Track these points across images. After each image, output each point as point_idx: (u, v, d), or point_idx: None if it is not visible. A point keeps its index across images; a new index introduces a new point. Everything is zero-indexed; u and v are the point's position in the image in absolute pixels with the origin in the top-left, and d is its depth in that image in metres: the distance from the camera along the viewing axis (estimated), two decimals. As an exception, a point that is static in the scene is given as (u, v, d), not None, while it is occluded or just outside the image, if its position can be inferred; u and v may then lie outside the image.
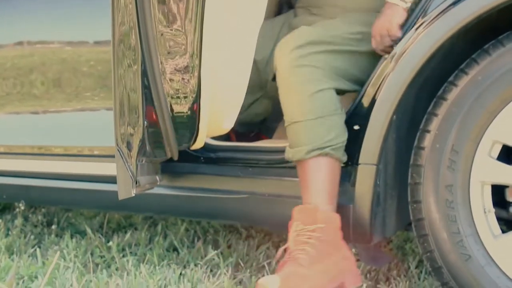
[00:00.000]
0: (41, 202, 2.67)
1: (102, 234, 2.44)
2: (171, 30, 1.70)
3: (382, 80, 1.71)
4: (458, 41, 1.68)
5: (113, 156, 1.70)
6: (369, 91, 1.75)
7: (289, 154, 1.80)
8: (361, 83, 1.81)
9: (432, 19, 1.64)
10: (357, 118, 1.77)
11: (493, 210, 1.67)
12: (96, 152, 2.14)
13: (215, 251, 2.16)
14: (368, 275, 2.03)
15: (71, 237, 2.39)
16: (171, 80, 1.73)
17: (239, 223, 2.45)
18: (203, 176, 2.02)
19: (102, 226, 2.61)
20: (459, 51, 1.71)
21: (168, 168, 2.01)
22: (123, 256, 2.21)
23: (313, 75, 1.77)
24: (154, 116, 1.73)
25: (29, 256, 2.22)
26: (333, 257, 1.74)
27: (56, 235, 2.47)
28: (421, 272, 2.01)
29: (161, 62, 1.71)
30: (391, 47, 1.72)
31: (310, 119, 1.75)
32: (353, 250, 1.99)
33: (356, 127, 1.77)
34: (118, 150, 1.67)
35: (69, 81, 2.12)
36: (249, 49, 1.83)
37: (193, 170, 2.03)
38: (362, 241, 1.82)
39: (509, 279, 1.63)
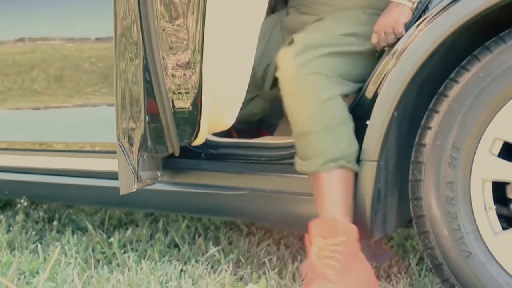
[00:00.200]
0: (42, 198, 2.68)
1: (103, 231, 2.45)
2: (173, 25, 1.71)
3: (384, 77, 1.71)
4: (459, 37, 1.68)
5: (114, 152, 1.70)
6: (370, 88, 1.75)
7: (301, 167, 1.77)
8: (363, 82, 1.80)
9: (434, 16, 1.64)
10: (358, 114, 1.77)
11: (493, 207, 1.67)
12: (97, 148, 2.15)
13: (216, 248, 2.16)
14: (368, 272, 2.03)
15: (72, 233, 2.39)
16: (173, 75, 1.73)
17: (240, 219, 2.45)
18: (204, 172, 2.02)
19: (103, 222, 2.61)
20: (460, 48, 1.71)
21: (169, 164, 2.01)
22: (124, 252, 2.21)
23: (319, 82, 1.74)
24: (155, 111, 1.74)
25: (30, 252, 2.23)
26: (356, 269, 1.72)
27: (58, 231, 2.47)
28: (421, 269, 2.02)
29: (163, 57, 1.71)
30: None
31: (321, 130, 1.73)
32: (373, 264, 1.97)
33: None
34: (120, 145, 1.67)
35: (70, 77, 2.12)
36: (251, 45, 1.83)
37: (194, 166, 2.03)
38: (362, 238, 1.81)
39: (509, 275, 1.63)
